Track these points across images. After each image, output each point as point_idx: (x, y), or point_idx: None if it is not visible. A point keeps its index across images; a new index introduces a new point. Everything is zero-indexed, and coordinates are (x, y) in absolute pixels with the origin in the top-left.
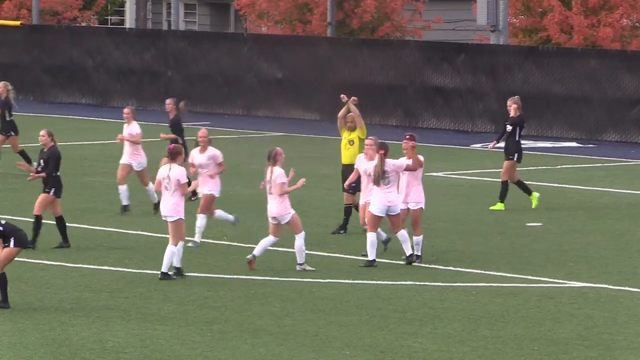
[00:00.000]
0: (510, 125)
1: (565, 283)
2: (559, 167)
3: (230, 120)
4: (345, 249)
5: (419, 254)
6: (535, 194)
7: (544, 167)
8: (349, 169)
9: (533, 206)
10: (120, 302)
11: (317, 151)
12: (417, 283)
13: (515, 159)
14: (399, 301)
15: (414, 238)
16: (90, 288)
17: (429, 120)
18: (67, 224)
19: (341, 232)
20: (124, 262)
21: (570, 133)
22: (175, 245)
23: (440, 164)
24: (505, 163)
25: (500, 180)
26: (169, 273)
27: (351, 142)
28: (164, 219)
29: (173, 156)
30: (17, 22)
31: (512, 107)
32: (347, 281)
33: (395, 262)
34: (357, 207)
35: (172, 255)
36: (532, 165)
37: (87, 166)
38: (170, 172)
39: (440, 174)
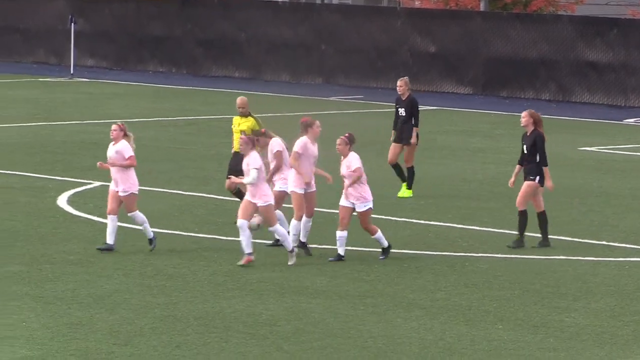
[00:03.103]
0: (403, 108)
1: None
2: None
3: (383, 94)
4: (498, 223)
5: (386, 244)
6: (405, 185)
7: None
8: (237, 155)
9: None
10: (274, 276)
11: (470, 125)
12: (570, 257)
13: (416, 143)
14: (551, 276)
15: (373, 237)
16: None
17: (582, 95)
18: (224, 198)
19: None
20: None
21: None
22: (298, 219)
23: (593, 138)
24: (407, 148)
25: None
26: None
27: (243, 133)
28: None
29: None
30: None
31: (403, 89)
32: (499, 255)
33: (548, 236)
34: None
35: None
36: None
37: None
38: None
39: (593, 148)
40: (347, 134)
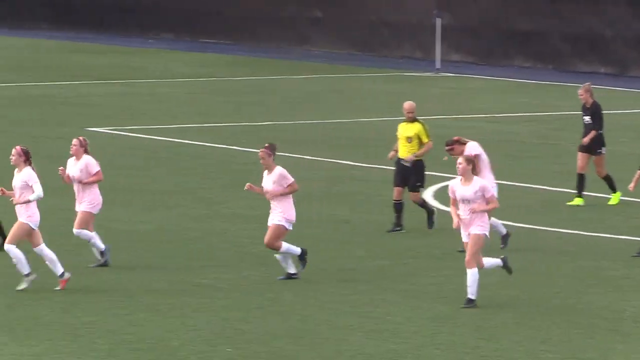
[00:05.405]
0: (589, 116)
1: None
2: None
3: None
4: None
5: (299, 251)
6: (619, 194)
7: None
8: (399, 163)
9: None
10: (638, 273)
11: None
12: None
13: (603, 152)
14: None
15: (280, 251)
16: (608, 257)
17: None
18: (597, 195)
19: (397, 229)
20: None
21: None
22: None
23: None
24: (596, 159)
25: (600, 178)
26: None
27: (409, 140)
28: None
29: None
30: None
31: (584, 96)
32: None
33: None
34: (420, 205)
35: None
36: None
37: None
38: None
39: None
40: (267, 144)
